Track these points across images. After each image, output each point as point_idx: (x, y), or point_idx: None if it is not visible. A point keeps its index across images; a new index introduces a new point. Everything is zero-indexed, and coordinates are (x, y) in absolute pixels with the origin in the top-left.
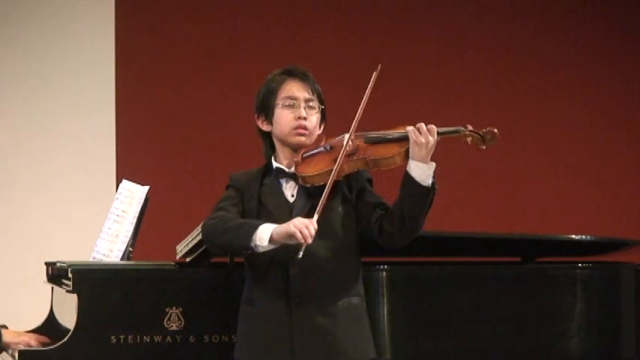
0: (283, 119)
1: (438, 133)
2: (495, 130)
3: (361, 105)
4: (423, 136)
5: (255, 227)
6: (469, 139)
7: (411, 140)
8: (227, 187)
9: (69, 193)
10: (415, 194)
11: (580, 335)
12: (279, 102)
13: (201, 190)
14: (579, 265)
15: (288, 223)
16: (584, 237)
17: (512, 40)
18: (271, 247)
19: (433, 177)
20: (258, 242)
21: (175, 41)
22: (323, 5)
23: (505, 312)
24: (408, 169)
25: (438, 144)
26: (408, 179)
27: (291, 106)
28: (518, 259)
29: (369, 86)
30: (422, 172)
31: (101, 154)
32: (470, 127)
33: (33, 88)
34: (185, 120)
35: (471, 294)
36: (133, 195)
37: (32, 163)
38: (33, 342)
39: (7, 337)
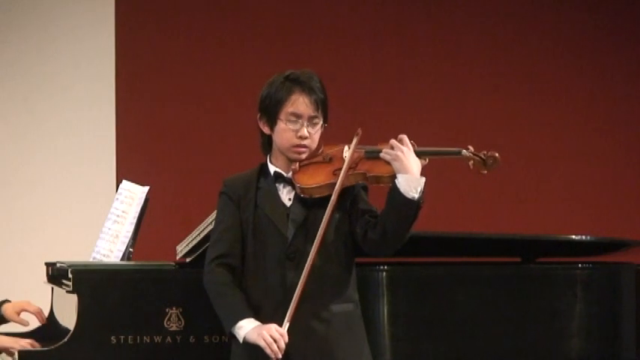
0: (285, 135)
1: (440, 153)
2: (497, 155)
3: (348, 159)
4: (396, 149)
5: (236, 321)
6: (471, 163)
7: (387, 158)
8: (221, 194)
9: (69, 194)
10: (398, 205)
11: (580, 335)
12: (283, 116)
13: (201, 190)
14: (579, 265)
15: (260, 332)
16: (584, 237)
17: (511, 41)
18: None
19: (421, 192)
20: (235, 335)
21: (175, 41)
22: (323, 10)
23: (505, 312)
24: (395, 179)
25: (440, 161)
26: (393, 189)
27: (294, 122)
28: (518, 259)
29: (351, 149)
30: (407, 183)
31: (101, 154)
32: (471, 149)
33: (33, 88)
34: (185, 120)
35: (471, 294)
36: (133, 195)
37: (32, 163)
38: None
39: (5, 341)
